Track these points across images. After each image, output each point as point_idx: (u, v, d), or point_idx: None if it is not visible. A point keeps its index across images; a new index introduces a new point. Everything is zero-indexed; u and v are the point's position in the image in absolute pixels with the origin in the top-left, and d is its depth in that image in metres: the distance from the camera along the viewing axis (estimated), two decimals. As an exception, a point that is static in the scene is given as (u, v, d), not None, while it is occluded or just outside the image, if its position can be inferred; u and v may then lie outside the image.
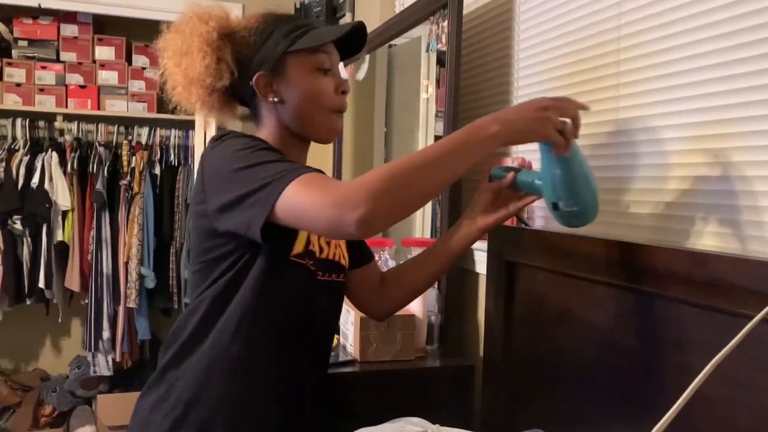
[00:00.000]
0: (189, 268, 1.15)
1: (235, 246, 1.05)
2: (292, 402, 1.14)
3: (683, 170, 1.08)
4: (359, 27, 1.13)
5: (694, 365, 0.88)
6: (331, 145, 2.78)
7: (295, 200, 0.89)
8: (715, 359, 0.71)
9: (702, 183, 1.04)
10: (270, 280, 1.06)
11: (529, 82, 1.54)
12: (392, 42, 2.32)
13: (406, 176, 0.87)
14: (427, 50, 2.01)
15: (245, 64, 1.10)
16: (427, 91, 2.16)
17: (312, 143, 1.17)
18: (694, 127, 1.06)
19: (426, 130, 2.26)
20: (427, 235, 2.15)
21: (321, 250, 1.14)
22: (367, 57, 2.39)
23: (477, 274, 1.64)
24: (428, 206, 2.20)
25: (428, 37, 1.90)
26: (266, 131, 1.13)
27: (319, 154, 3.18)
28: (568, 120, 0.95)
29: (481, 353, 1.48)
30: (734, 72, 0.98)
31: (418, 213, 2.22)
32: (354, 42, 1.16)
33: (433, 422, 1.07)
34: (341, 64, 2.58)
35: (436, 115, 2.18)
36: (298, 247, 1.08)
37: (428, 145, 0.96)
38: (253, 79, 1.10)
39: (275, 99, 1.10)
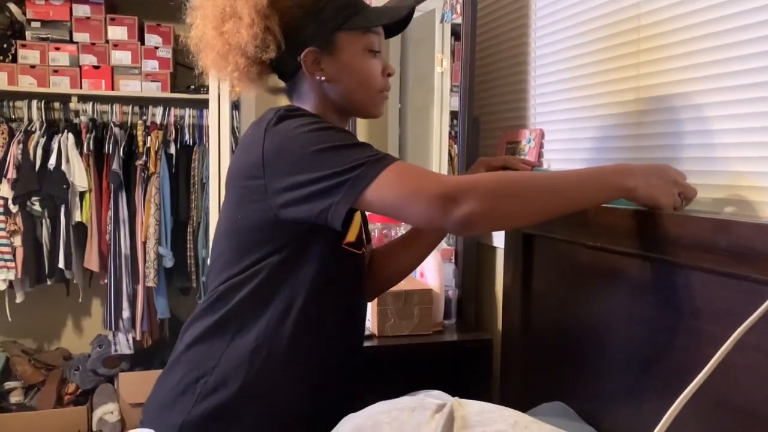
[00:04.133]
0: (219, 240, 1.09)
1: (292, 230, 0.99)
2: (332, 387, 1.12)
3: (703, 138, 1.05)
4: (413, 9, 1.10)
5: (718, 335, 0.86)
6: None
7: (393, 188, 0.87)
8: (741, 328, 0.69)
9: (723, 150, 1.02)
10: (324, 268, 1.02)
11: (547, 51, 1.51)
12: (406, 15, 2.28)
13: (522, 188, 0.87)
14: (442, 22, 1.98)
15: (292, 37, 1.03)
16: (442, 65, 2.13)
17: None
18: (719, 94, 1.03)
19: (441, 105, 2.24)
20: (444, 210, 2.14)
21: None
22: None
23: (494, 248, 1.63)
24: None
25: (442, 8, 1.86)
26: (308, 107, 1.08)
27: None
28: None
29: (500, 327, 1.48)
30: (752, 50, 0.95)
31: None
32: (398, 22, 1.11)
33: (452, 396, 1.06)
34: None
35: (452, 90, 2.15)
36: (351, 236, 1.04)
37: (554, 172, 0.95)
38: (302, 55, 1.04)
39: (322, 77, 1.05)
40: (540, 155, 1.53)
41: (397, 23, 1.12)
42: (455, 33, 1.96)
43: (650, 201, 0.92)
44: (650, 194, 0.91)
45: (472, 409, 0.96)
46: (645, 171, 0.92)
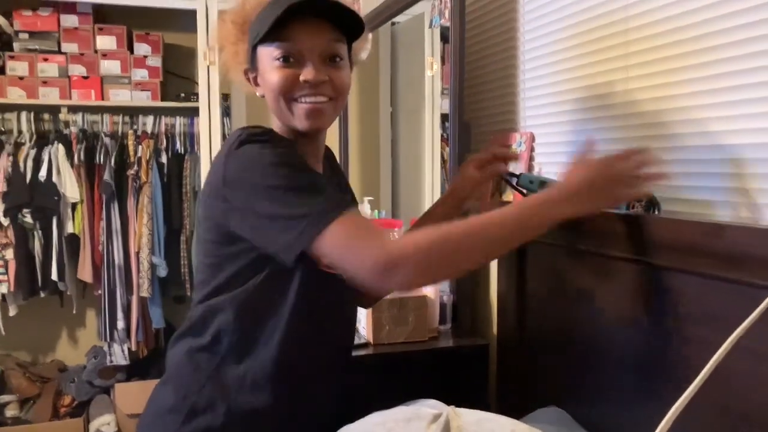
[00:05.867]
0: (197, 257, 1.08)
1: (258, 255, 0.99)
2: (324, 402, 1.12)
3: (693, 139, 1.05)
4: (293, 6, 0.96)
5: (712, 339, 0.86)
6: (336, 128, 2.76)
7: (336, 247, 0.89)
8: (736, 333, 0.69)
9: (713, 152, 1.02)
10: (305, 290, 1.01)
11: (536, 54, 1.51)
12: (395, 19, 2.28)
13: (459, 245, 0.88)
14: (431, 26, 1.98)
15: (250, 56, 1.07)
16: (432, 69, 2.13)
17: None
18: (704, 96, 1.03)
19: (432, 108, 2.24)
20: (437, 214, 2.13)
21: None
22: (370, 36, 2.35)
23: (488, 253, 1.63)
24: (437, 186, 2.18)
25: (431, 12, 1.86)
26: (274, 123, 1.08)
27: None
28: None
29: (495, 332, 1.47)
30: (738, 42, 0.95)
31: (427, 193, 2.20)
32: (349, 20, 1.02)
33: (448, 403, 1.06)
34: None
35: (442, 93, 2.15)
36: None
37: (493, 215, 0.91)
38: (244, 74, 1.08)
39: (261, 94, 1.06)
40: (531, 158, 1.52)
41: (346, 19, 1.01)
42: (444, 37, 1.96)
43: (596, 212, 0.96)
44: (593, 207, 0.95)
45: (469, 419, 0.95)
46: (585, 185, 0.94)
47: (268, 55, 1.01)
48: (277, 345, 1.02)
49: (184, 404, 1.02)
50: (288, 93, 1.00)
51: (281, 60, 1.00)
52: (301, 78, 0.99)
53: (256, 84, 1.06)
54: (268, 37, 0.99)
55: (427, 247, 0.87)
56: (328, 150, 1.22)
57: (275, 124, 1.08)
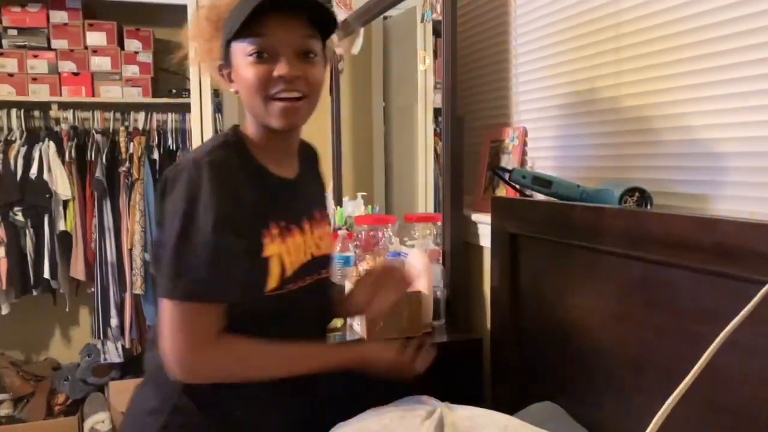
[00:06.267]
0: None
1: None
2: (298, 400, 1.13)
3: (683, 134, 1.05)
4: (266, 1, 0.96)
5: (705, 334, 0.86)
6: (328, 123, 2.75)
7: (165, 321, 0.96)
8: (728, 328, 0.69)
9: (702, 146, 1.02)
10: (254, 313, 1.02)
11: (528, 48, 1.50)
12: (387, 14, 2.27)
13: (242, 374, 1.00)
14: (422, 21, 1.97)
15: (221, 53, 1.06)
16: (425, 63, 2.13)
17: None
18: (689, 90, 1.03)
19: (425, 103, 2.23)
20: (431, 210, 2.13)
21: (305, 259, 1.09)
22: (362, 31, 2.34)
23: (481, 248, 1.63)
24: (430, 181, 2.18)
25: (422, 7, 1.85)
26: (248, 119, 1.08)
27: (317, 131, 3.15)
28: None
29: (489, 327, 1.47)
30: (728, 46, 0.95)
31: (420, 188, 2.20)
32: (322, 15, 1.02)
33: (442, 398, 1.06)
34: (334, 39, 2.52)
35: (435, 87, 2.15)
36: (272, 282, 1.02)
37: (289, 349, 1.03)
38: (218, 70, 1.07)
39: (236, 90, 1.05)
40: (524, 153, 1.52)
41: (319, 14, 1.02)
42: (436, 31, 1.96)
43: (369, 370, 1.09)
44: (371, 369, 1.09)
45: (462, 414, 0.95)
46: (369, 355, 1.11)
47: (242, 50, 1.00)
48: None
49: (164, 406, 1.03)
50: (263, 89, 1.00)
51: (255, 55, 0.99)
52: (275, 73, 0.98)
53: (231, 80, 1.05)
54: (241, 33, 0.98)
55: (222, 366, 0.99)
56: (310, 149, 1.22)
57: (248, 121, 1.08)
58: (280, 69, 0.98)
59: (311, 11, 1.01)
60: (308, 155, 1.20)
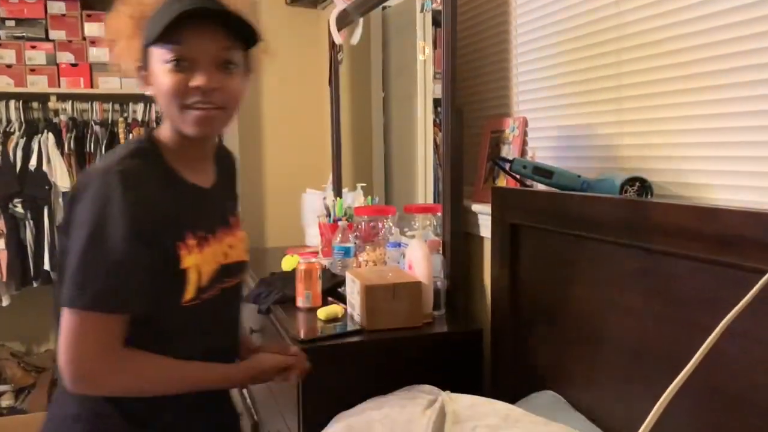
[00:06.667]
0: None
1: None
2: (219, 413, 1.17)
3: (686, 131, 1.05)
4: (194, 10, 0.96)
5: (706, 322, 0.87)
6: (327, 114, 2.74)
7: (65, 330, 0.94)
8: (729, 316, 0.69)
9: (707, 135, 1.02)
10: (170, 324, 1.04)
11: (528, 38, 1.50)
12: (386, 3, 2.26)
13: (138, 389, 1.00)
14: (422, 11, 1.96)
15: (143, 54, 1.04)
16: (424, 53, 2.12)
17: None
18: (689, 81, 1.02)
19: (424, 93, 2.22)
20: (430, 200, 2.13)
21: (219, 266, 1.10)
22: (361, 21, 2.33)
23: (482, 238, 1.63)
24: (429, 172, 2.17)
25: (422, -4, 1.85)
26: (165, 122, 1.07)
27: (316, 124, 3.15)
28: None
29: (489, 317, 1.48)
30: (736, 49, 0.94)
31: (420, 179, 2.19)
32: (241, 26, 1.01)
33: (443, 388, 1.06)
34: (334, 28, 2.52)
35: (434, 77, 2.14)
36: (189, 294, 1.03)
37: (186, 367, 1.03)
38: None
39: (152, 93, 1.04)
40: (524, 143, 1.52)
41: (239, 26, 1.01)
42: (436, 21, 1.95)
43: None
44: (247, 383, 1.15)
45: (463, 403, 0.96)
46: (251, 373, 1.12)
47: (160, 56, 0.99)
48: (171, 355, 1.03)
49: (84, 412, 1.03)
50: (179, 98, 0.99)
51: (173, 63, 0.98)
52: (192, 84, 0.98)
53: (148, 83, 1.04)
54: (160, 39, 0.97)
55: (119, 387, 0.99)
56: (226, 153, 1.23)
57: (165, 124, 1.07)
58: (197, 80, 0.98)
59: (232, 22, 0.99)
60: (224, 160, 1.21)
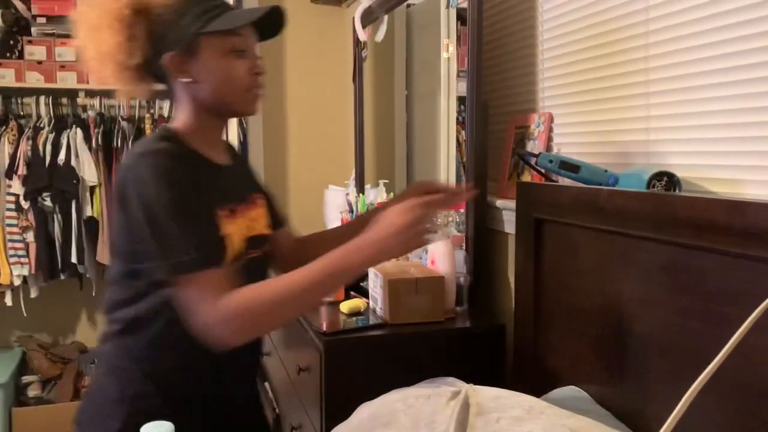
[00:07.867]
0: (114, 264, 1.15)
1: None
2: (246, 385, 1.24)
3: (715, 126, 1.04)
4: (274, 11, 1.13)
5: (734, 317, 0.86)
6: (350, 111, 2.76)
7: (182, 296, 1.01)
8: (758, 310, 0.68)
9: (730, 130, 1.01)
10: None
11: (555, 34, 1.50)
12: (410, 1, 2.27)
13: (271, 314, 1.01)
14: (447, 7, 1.96)
15: (158, 43, 1.09)
16: (448, 51, 2.12)
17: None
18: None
19: (448, 91, 2.22)
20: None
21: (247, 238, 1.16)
22: (386, 18, 2.34)
23: (506, 234, 1.63)
24: (452, 169, 2.17)
25: (448, -7, 1.85)
26: (183, 110, 1.14)
27: (340, 121, 3.16)
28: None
29: (512, 313, 1.47)
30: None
31: (442, 176, 2.20)
32: (272, 25, 1.17)
33: (466, 383, 1.07)
34: (359, 25, 2.53)
35: (458, 75, 2.14)
36: (228, 260, 1.09)
37: (300, 275, 1.01)
38: (163, 59, 1.09)
39: (188, 79, 1.10)
40: (549, 139, 1.52)
41: (271, 24, 1.16)
42: (461, 18, 1.95)
43: (389, 259, 1.05)
44: (389, 256, 1.04)
45: (487, 395, 0.96)
46: (381, 239, 1.01)
47: (220, 45, 1.08)
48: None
49: (125, 394, 1.10)
50: (246, 82, 1.11)
51: (238, 52, 1.10)
52: (256, 69, 1.12)
53: (182, 70, 1.09)
54: (225, 30, 1.07)
55: (244, 310, 0.99)
56: (228, 143, 1.31)
57: (185, 114, 1.14)
58: (259, 66, 1.13)
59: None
60: (229, 148, 1.29)
